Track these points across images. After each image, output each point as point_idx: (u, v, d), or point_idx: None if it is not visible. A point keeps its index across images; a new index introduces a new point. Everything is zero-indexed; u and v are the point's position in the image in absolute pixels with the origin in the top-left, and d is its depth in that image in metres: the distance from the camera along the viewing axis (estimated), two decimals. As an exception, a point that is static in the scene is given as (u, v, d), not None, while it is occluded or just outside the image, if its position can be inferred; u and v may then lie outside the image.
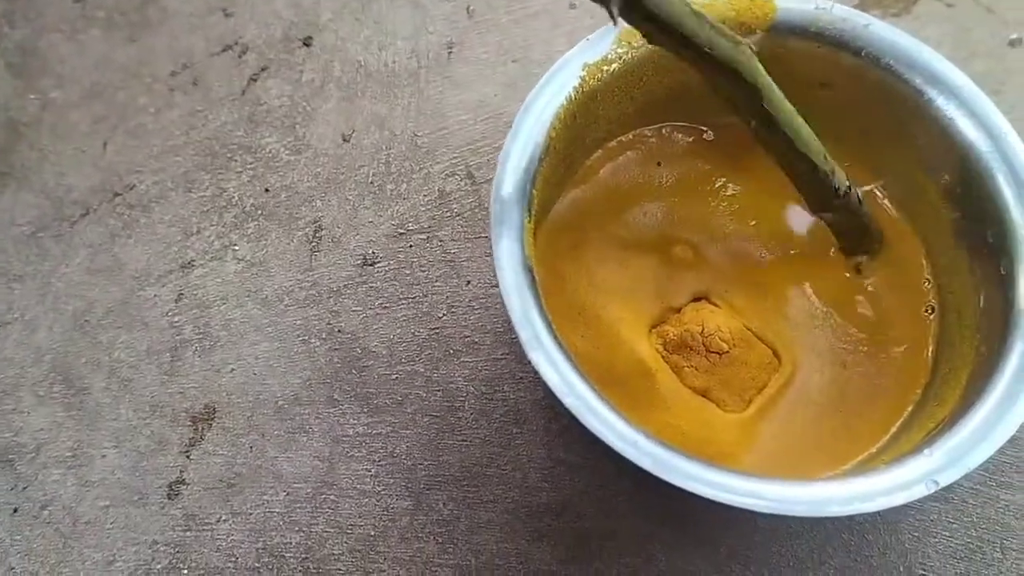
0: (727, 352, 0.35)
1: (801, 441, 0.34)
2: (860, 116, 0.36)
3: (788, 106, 0.30)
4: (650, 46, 0.34)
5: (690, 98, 0.37)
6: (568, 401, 0.28)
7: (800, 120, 0.31)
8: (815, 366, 0.35)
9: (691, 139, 0.39)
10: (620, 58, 0.34)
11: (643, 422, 0.33)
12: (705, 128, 0.39)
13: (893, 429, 0.33)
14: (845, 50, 0.34)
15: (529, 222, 0.31)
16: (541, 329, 0.29)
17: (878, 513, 0.36)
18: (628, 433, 0.27)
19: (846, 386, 0.34)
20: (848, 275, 0.36)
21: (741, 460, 0.33)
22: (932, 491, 0.26)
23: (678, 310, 0.36)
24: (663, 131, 0.39)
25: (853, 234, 0.35)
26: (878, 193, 0.38)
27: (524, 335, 0.28)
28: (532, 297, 0.29)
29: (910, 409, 0.34)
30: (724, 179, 0.38)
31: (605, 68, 0.34)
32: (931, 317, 0.35)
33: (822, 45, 0.34)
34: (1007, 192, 0.31)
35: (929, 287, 0.36)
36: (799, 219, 0.37)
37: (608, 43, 0.34)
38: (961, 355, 0.32)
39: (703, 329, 0.35)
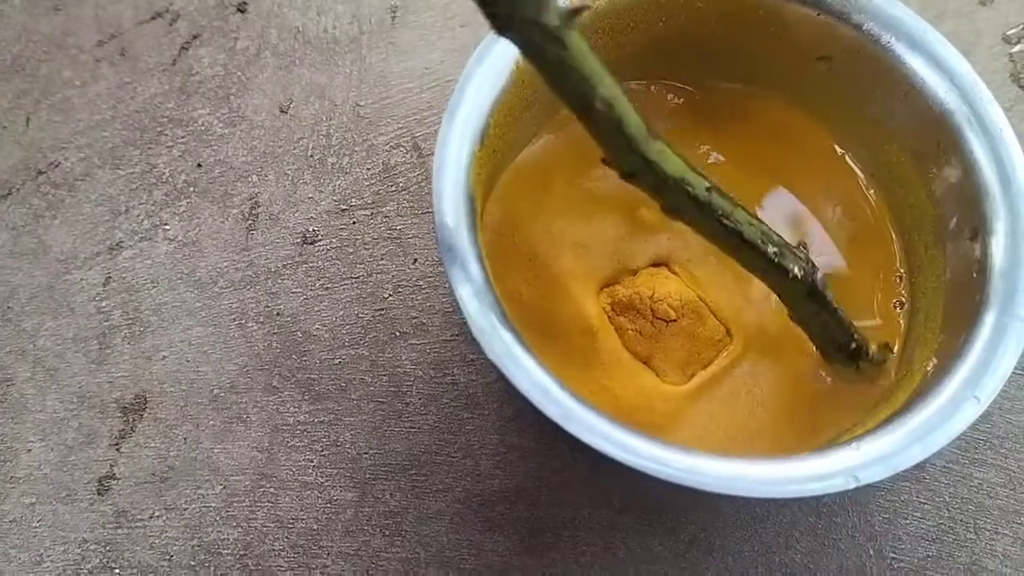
0: (674, 321, 0.33)
1: (739, 425, 0.32)
2: (855, 96, 0.35)
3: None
4: None
5: (680, 55, 0.36)
6: (483, 338, 0.26)
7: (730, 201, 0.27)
8: (768, 350, 0.34)
9: (680, 100, 0.38)
10: None
11: (577, 380, 0.32)
12: (695, 91, 0.38)
13: (838, 427, 0.32)
14: (845, 22, 0.33)
15: (480, 152, 0.30)
16: (471, 260, 0.27)
17: (846, 495, 0.34)
18: (541, 378, 0.26)
19: (797, 376, 0.33)
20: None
21: (672, 434, 0.32)
22: (851, 487, 0.25)
23: (634, 272, 0.35)
24: (652, 88, 0.38)
25: (820, 331, 0.32)
26: (863, 182, 0.36)
27: (449, 261, 0.27)
28: (468, 227, 0.28)
29: (862, 408, 0.32)
30: (708, 147, 0.37)
31: (589, 4, 0.32)
32: (900, 314, 0.34)
33: (822, 13, 0.33)
34: (995, 192, 0.30)
35: (902, 283, 0.35)
36: (778, 202, 0.36)
37: None
38: (919, 359, 0.31)
39: (653, 294, 0.34)
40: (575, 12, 0.22)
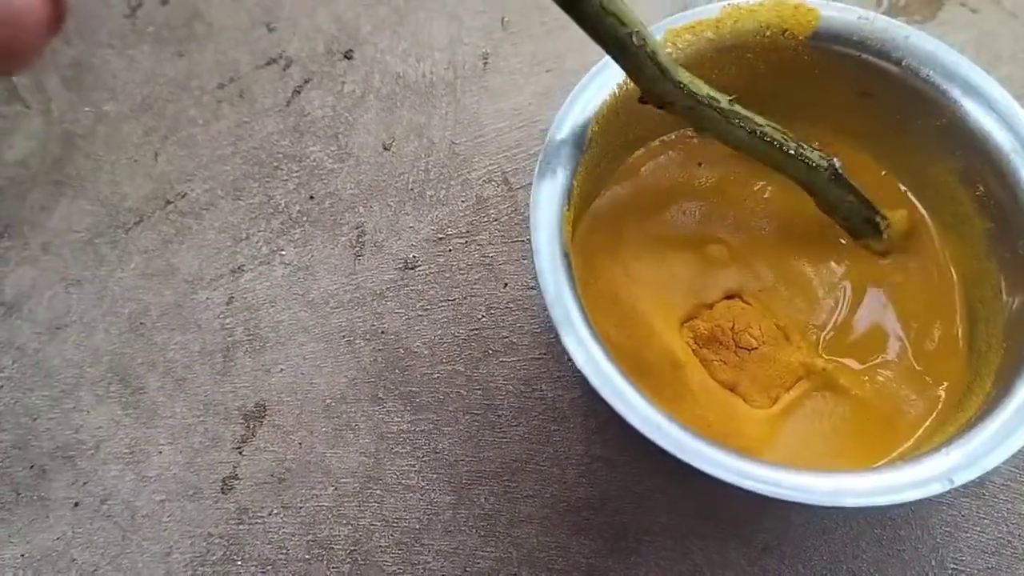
0: (756, 348, 0.36)
1: (825, 441, 0.34)
2: (899, 125, 0.37)
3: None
4: (695, 47, 0.36)
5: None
6: (594, 381, 0.29)
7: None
8: (843, 368, 0.36)
9: None
10: None
11: (671, 412, 0.34)
12: None
13: (917, 435, 0.34)
14: (886, 60, 0.35)
15: (568, 211, 0.33)
16: (574, 312, 0.30)
17: (910, 509, 0.36)
18: (652, 415, 0.29)
19: (874, 391, 0.35)
20: (880, 287, 0.37)
21: (764, 455, 0.34)
22: (947, 489, 0.27)
23: (710, 306, 0.37)
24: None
25: (848, 213, 0.36)
26: (915, 202, 0.39)
27: (557, 315, 0.30)
28: (567, 281, 0.31)
29: (934, 416, 0.34)
30: (763, 182, 0.39)
31: None
32: (960, 326, 0.36)
33: (863, 54, 0.36)
34: None
35: (959, 297, 0.37)
36: (835, 232, 0.38)
37: None
38: (987, 362, 0.33)
39: (734, 325, 0.36)
40: None
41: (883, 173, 0.39)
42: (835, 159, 0.34)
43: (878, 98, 0.37)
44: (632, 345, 0.36)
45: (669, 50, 0.35)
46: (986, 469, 0.28)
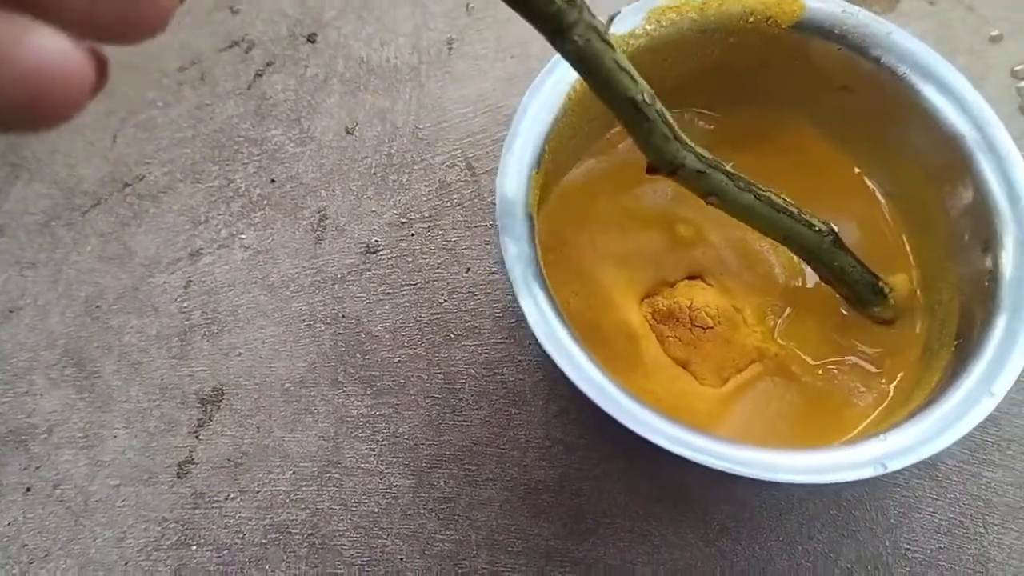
0: (711, 328, 0.36)
1: (771, 425, 0.35)
2: (875, 122, 0.37)
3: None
4: (678, 27, 0.36)
5: (712, 86, 0.39)
6: (544, 341, 0.29)
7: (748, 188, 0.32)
8: (797, 356, 0.36)
9: (711, 127, 0.41)
10: (647, 34, 0.36)
11: (622, 383, 0.34)
12: (725, 117, 0.41)
13: (863, 425, 0.35)
14: (865, 55, 0.36)
15: (537, 174, 0.33)
16: (532, 273, 0.30)
17: (864, 489, 0.37)
18: (595, 376, 0.29)
19: (824, 379, 0.36)
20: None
21: (709, 432, 0.34)
22: (880, 473, 0.28)
23: (672, 284, 0.38)
24: (685, 115, 0.41)
25: (854, 279, 0.35)
26: (881, 201, 0.39)
27: (515, 275, 0.30)
28: (527, 242, 0.31)
29: (881, 408, 0.35)
30: (736, 168, 0.39)
31: (631, 42, 0.35)
32: (918, 324, 0.37)
33: (843, 48, 0.36)
34: (1004, 208, 0.33)
35: (918, 294, 0.37)
36: None
37: (639, 18, 0.35)
38: (938, 359, 0.34)
39: (692, 303, 0.36)
40: (610, 19, 0.26)
41: (856, 170, 0.40)
42: (832, 225, 0.33)
43: (857, 93, 0.37)
44: (590, 314, 0.36)
45: (651, 27, 0.35)
46: (921, 457, 0.28)
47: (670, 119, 0.28)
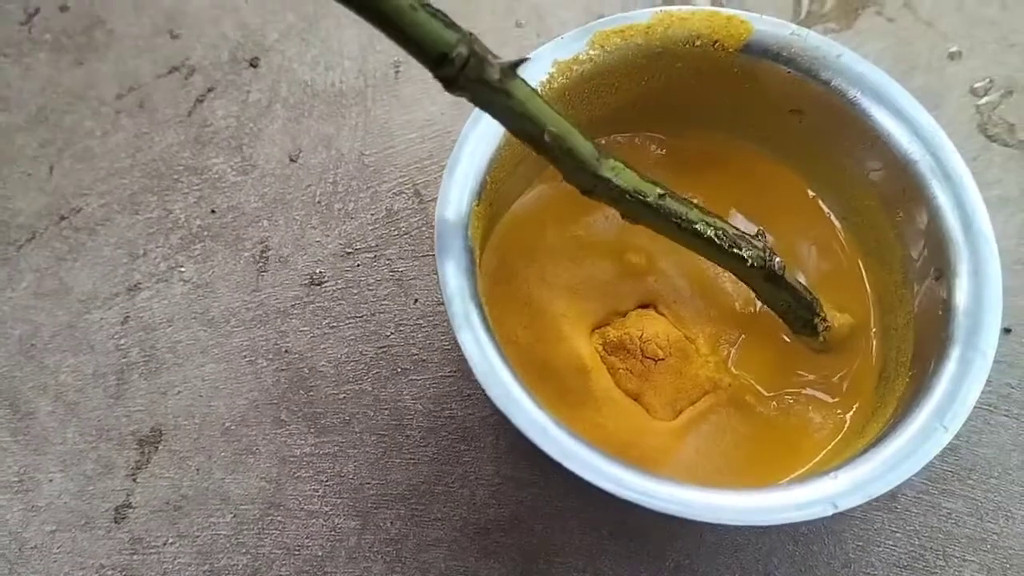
0: (663, 359, 0.35)
1: (725, 458, 0.34)
2: (826, 146, 0.37)
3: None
4: (624, 52, 0.35)
5: (662, 110, 0.38)
6: (483, 380, 0.28)
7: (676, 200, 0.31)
8: (751, 387, 0.35)
9: (663, 151, 0.40)
10: (591, 59, 0.35)
11: (572, 418, 0.34)
12: (677, 141, 0.40)
13: (818, 458, 0.34)
14: (815, 78, 0.35)
15: (478, 206, 0.32)
16: (472, 309, 0.29)
17: (823, 524, 0.36)
18: (539, 417, 0.28)
19: (779, 410, 0.35)
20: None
21: (662, 467, 0.33)
22: (830, 513, 0.27)
23: (624, 314, 0.37)
24: (636, 140, 0.40)
25: (783, 311, 0.35)
26: (836, 225, 0.38)
27: (454, 311, 0.29)
28: (467, 277, 0.30)
29: (838, 440, 0.34)
30: (690, 193, 0.38)
31: (575, 67, 0.34)
32: (874, 352, 0.36)
33: (792, 71, 0.35)
34: (958, 235, 0.32)
35: (876, 322, 0.37)
36: None
37: (582, 44, 0.34)
38: (892, 390, 0.33)
39: (642, 334, 0.35)
40: (515, 64, 0.25)
41: (811, 194, 0.39)
42: (776, 259, 0.32)
43: (807, 116, 0.36)
44: (540, 347, 0.35)
45: (595, 52, 0.35)
46: (871, 496, 0.27)
47: (581, 152, 0.27)
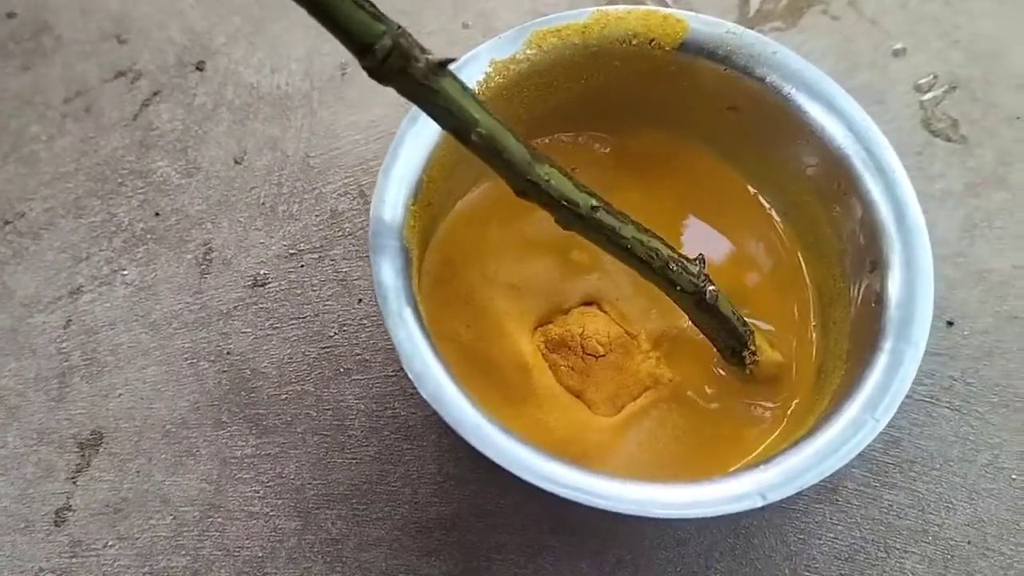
0: (603, 356, 0.35)
1: (667, 452, 0.34)
2: (764, 142, 0.37)
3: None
4: (561, 51, 0.35)
5: (603, 109, 0.38)
6: (417, 379, 0.28)
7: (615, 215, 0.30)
8: (692, 382, 0.35)
9: (607, 149, 0.40)
10: (529, 59, 0.35)
11: (514, 415, 0.34)
12: (620, 139, 0.40)
13: (758, 450, 0.34)
14: (751, 75, 0.35)
15: (415, 205, 0.32)
16: (406, 307, 0.29)
17: (764, 516, 0.36)
18: (472, 416, 0.28)
19: (720, 407, 0.35)
20: (743, 306, 0.36)
21: (603, 463, 0.33)
22: (759, 504, 0.27)
23: (567, 312, 0.37)
24: (579, 139, 0.40)
25: (712, 337, 0.35)
26: (775, 220, 0.39)
27: (388, 309, 0.29)
28: (403, 277, 0.30)
29: (777, 433, 0.34)
30: (634, 190, 0.39)
31: (512, 67, 0.35)
32: (814, 346, 0.36)
33: (728, 68, 0.35)
34: (891, 228, 0.32)
35: (814, 315, 0.37)
36: (698, 238, 0.38)
37: (519, 43, 0.34)
38: (829, 383, 0.33)
39: (583, 331, 0.35)
40: (444, 62, 0.25)
41: (751, 190, 0.39)
42: (710, 288, 0.31)
43: (744, 113, 0.36)
44: (482, 346, 0.35)
45: (533, 52, 0.35)
46: (801, 487, 0.27)
47: (513, 154, 0.27)
